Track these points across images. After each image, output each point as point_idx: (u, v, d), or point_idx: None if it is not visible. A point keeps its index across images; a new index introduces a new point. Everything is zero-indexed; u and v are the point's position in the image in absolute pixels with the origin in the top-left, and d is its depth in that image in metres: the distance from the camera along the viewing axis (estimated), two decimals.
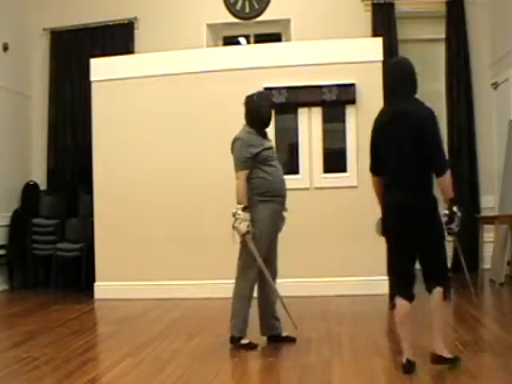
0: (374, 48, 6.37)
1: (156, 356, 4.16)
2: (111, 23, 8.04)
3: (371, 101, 6.30)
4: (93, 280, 6.71)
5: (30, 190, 7.99)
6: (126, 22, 8.05)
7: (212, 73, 6.47)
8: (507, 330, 4.51)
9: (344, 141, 6.39)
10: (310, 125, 6.44)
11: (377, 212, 6.24)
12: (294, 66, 6.42)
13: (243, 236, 4.17)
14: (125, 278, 6.51)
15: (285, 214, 4.41)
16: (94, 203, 6.75)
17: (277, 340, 4.36)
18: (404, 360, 3.54)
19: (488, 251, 6.99)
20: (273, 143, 4.53)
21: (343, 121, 6.41)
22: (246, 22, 8.03)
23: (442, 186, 3.56)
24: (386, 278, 6.15)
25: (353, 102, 6.33)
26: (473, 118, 7.59)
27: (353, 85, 6.31)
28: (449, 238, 3.75)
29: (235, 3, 7.97)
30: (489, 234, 6.97)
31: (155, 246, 6.47)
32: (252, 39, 8.36)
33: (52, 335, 4.90)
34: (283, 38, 8.22)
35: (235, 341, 4.26)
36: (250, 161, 4.23)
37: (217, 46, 8.24)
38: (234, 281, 4.31)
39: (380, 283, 6.16)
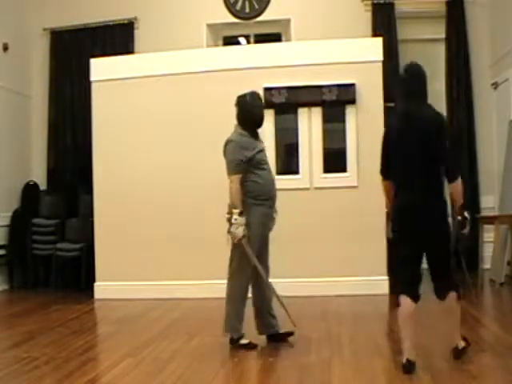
0: (374, 48, 6.37)
1: (156, 356, 4.16)
2: (111, 23, 8.04)
3: (371, 101, 6.32)
4: (93, 280, 6.71)
5: (29, 190, 7.99)
6: (125, 22, 8.05)
7: (212, 73, 6.47)
8: (507, 330, 4.51)
9: (344, 141, 6.39)
10: (309, 125, 6.44)
11: (377, 212, 6.27)
12: (294, 66, 6.42)
13: (239, 240, 4.16)
14: (125, 278, 6.51)
15: (275, 214, 4.42)
16: (94, 203, 6.75)
17: (276, 339, 4.37)
18: (404, 360, 3.55)
19: (488, 251, 6.99)
20: (264, 144, 4.48)
21: (343, 121, 6.41)
22: (246, 22, 8.03)
23: (454, 192, 3.65)
24: (386, 277, 6.22)
25: (353, 102, 6.33)
26: (473, 118, 7.58)
27: (353, 85, 6.31)
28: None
29: (235, 3, 7.97)
30: (489, 234, 6.97)
31: (155, 246, 6.47)
32: (252, 39, 8.36)
33: (52, 335, 4.90)
34: (283, 38, 8.22)
35: (235, 341, 4.27)
36: (243, 164, 4.20)
37: (217, 46, 8.24)
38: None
39: (380, 283, 6.18)
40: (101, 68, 6.78)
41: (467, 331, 4.27)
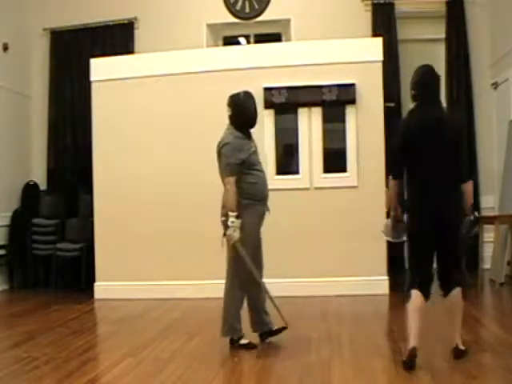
0: (374, 48, 6.37)
1: (156, 356, 4.17)
2: (111, 23, 8.03)
3: (371, 101, 6.32)
4: (93, 280, 6.71)
5: (30, 190, 7.98)
6: (126, 22, 8.04)
7: (212, 73, 6.47)
8: (507, 330, 4.51)
9: (344, 141, 6.39)
10: (310, 125, 6.43)
11: (377, 212, 6.27)
12: (294, 66, 6.42)
13: (234, 243, 4.16)
14: (125, 278, 6.51)
15: (267, 213, 4.44)
16: (94, 203, 6.75)
17: (270, 335, 4.36)
18: (410, 346, 3.60)
19: (488, 251, 6.98)
20: (256, 143, 4.43)
21: (343, 121, 6.40)
22: (246, 22, 8.03)
23: (467, 192, 3.77)
24: (386, 277, 6.23)
25: (353, 102, 6.33)
26: (473, 118, 7.58)
27: (353, 85, 6.31)
28: None
29: (235, 3, 7.97)
30: (489, 234, 6.96)
31: (155, 246, 6.47)
32: (252, 39, 8.36)
33: (52, 335, 4.90)
34: (283, 38, 8.21)
35: (235, 342, 4.27)
36: (238, 167, 4.19)
37: (217, 46, 8.23)
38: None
39: (380, 283, 6.18)
40: (101, 68, 6.78)
41: (467, 331, 4.28)
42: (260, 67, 6.45)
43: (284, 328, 4.38)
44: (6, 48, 7.70)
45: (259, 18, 7.96)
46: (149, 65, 6.68)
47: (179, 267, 6.41)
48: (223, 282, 4.37)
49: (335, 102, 6.35)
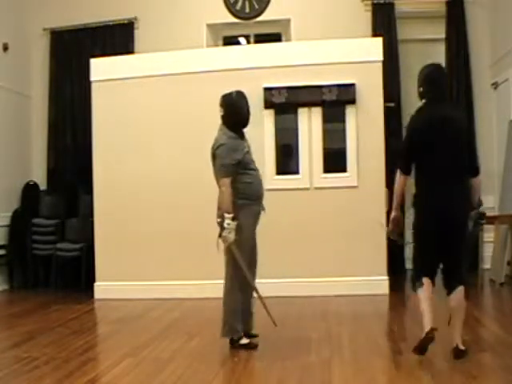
0: (374, 48, 6.37)
1: (156, 356, 4.17)
2: (111, 23, 8.03)
3: (371, 101, 6.32)
4: (93, 280, 6.71)
5: (30, 190, 7.98)
6: (126, 22, 8.04)
7: (212, 73, 6.46)
8: (507, 330, 4.51)
9: (344, 141, 6.39)
10: (310, 125, 6.43)
11: (377, 212, 6.27)
12: (294, 66, 6.42)
13: (229, 245, 4.16)
14: (125, 278, 6.51)
15: (263, 212, 4.43)
16: (94, 203, 6.75)
17: (248, 337, 4.35)
18: (427, 329, 3.70)
19: (488, 251, 6.98)
20: (249, 143, 4.41)
21: (343, 121, 6.40)
22: (246, 22, 8.03)
23: (476, 185, 3.91)
24: (386, 277, 6.23)
25: (353, 102, 6.33)
26: (473, 118, 7.57)
27: (353, 85, 6.31)
28: None
29: (235, 3, 7.97)
30: (489, 234, 6.96)
31: (155, 246, 6.47)
32: (252, 39, 8.36)
33: (52, 335, 4.90)
34: (283, 38, 8.21)
35: (235, 342, 4.26)
36: (233, 167, 4.18)
37: (217, 46, 8.23)
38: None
39: (380, 283, 6.18)
40: (101, 68, 6.78)
41: (467, 331, 4.28)
42: (260, 67, 6.45)
43: (256, 336, 4.37)
44: (5, 48, 7.70)
45: (259, 18, 7.96)
46: (149, 65, 6.68)
47: (179, 267, 6.41)
48: (223, 282, 4.37)
49: (335, 102, 6.35)
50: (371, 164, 6.28)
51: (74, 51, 8.08)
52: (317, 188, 6.39)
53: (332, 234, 6.28)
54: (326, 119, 6.44)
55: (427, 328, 3.72)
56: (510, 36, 6.88)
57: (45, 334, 4.93)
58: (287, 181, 6.42)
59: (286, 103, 6.41)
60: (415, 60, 7.62)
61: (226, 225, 4.11)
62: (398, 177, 3.94)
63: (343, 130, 6.41)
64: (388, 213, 6.19)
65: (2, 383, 3.68)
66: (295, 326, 4.97)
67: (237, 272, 4.25)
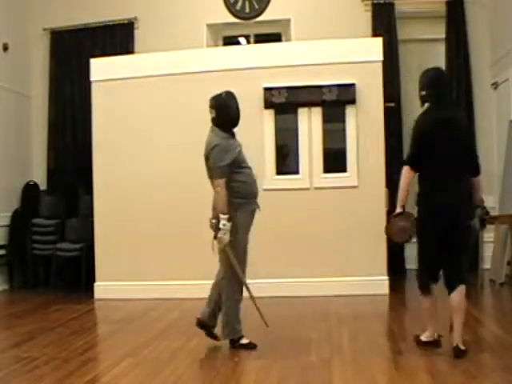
0: (374, 48, 6.37)
1: (156, 356, 4.17)
2: (111, 23, 8.04)
3: (371, 101, 6.32)
4: (93, 280, 6.71)
5: (30, 190, 7.99)
6: (126, 22, 8.04)
7: (212, 73, 6.46)
8: (507, 330, 4.51)
9: (344, 141, 6.39)
10: (310, 125, 6.43)
11: (377, 212, 6.27)
12: (294, 66, 6.42)
13: (225, 246, 4.15)
14: (125, 278, 6.51)
15: (258, 210, 4.41)
16: (94, 203, 6.75)
17: (203, 327, 4.37)
18: (436, 337, 4.00)
19: (488, 251, 6.98)
20: (240, 142, 4.41)
21: (343, 121, 6.40)
22: (246, 22, 8.03)
23: (478, 185, 4.03)
24: (386, 277, 6.23)
25: (353, 102, 6.33)
26: (473, 118, 7.58)
27: (353, 85, 6.31)
28: None
29: (235, 3, 7.97)
30: (489, 234, 6.96)
31: (155, 246, 6.47)
32: (252, 39, 8.36)
33: (52, 335, 4.90)
34: (283, 38, 8.22)
35: (235, 342, 4.27)
36: (228, 168, 4.18)
37: (217, 46, 8.23)
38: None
39: (380, 283, 6.18)
40: (101, 68, 6.78)
41: (467, 331, 4.28)
42: (260, 67, 6.45)
43: (216, 338, 4.38)
44: (5, 48, 7.70)
45: (259, 18, 7.96)
46: (149, 65, 6.68)
47: (179, 267, 6.41)
48: (218, 281, 4.37)
49: (335, 102, 6.35)
50: (371, 164, 6.28)
51: (74, 51, 8.08)
52: (317, 188, 6.39)
53: (332, 234, 6.28)
54: (326, 119, 6.44)
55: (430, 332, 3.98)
56: (510, 36, 6.88)
57: (45, 334, 4.93)
58: (287, 181, 6.42)
59: (286, 103, 6.41)
60: (415, 60, 7.63)
61: (221, 226, 4.11)
62: (407, 172, 3.96)
63: (343, 130, 6.41)
64: (388, 212, 6.23)
65: (2, 383, 3.68)
66: (295, 326, 4.97)
67: (235, 273, 4.26)
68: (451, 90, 7.51)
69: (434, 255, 3.96)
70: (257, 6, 7.95)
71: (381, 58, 6.35)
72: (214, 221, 4.17)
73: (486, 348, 4.05)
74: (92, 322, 5.76)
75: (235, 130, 4.40)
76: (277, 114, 6.49)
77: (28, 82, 8.27)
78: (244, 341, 4.26)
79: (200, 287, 6.21)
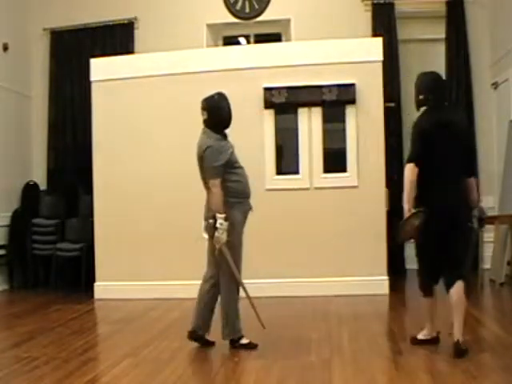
0: (374, 48, 6.37)
1: (156, 356, 4.17)
2: (111, 23, 8.04)
3: (371, 101, 6.32)
4: (93, 280, 6.71)
5: (30, 190, 7.99)
6: (126, 22, 8.05)
7: (212, 73, 6.46)
8: (507, 330, 4.51)
9: (344, 141, 6.39)
10: (310, 125, 6.43)
11: (377, 212, 6.26)
12: (294, 66, 6.42)
13: (221, 245, 4.15)
14: (125, 278, 6.51)
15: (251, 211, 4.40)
16: (94, 203, 6.75)
17: (197, 338, 4.33)
18: (434, 334, 4.07)
19: (488, 251, 6.98)
20: (232, 143, 4.44)
21: (343, 121, 6.40)
22: (246, 22, 8.03)
23: (473, 185, 4.07)
24: (386, 277, 6.23)
25: (353, 102, 6.33)
26: (473, 118, 7.58)
27: (353, 85, 6.31)
28: None
29: (235, 3, 7.97)
30: (489, 234, 6.96)
31: (155, 246, 6.47)
32: (252, 39, 8.36)
33: (52, 335, 4.90)
34: (283, 38, 8.22)
35: (235, 341, 4.27)
36: (222, 168, 4.20)
37: (217, 46, 8.24)
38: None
39: (380, 283, 6.18)
40: (101, 68, 6.78)
41: (467, 331, 4.27)
42: (260, 67, 6.45)
43: (212, 343, 4.35)
44: (5, 48, 7.70)
45: (259, 18, 7.96)
46: (149, 65, 6.68)
47: (179, 267, 6.41)
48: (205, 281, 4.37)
49: (335, 102, 6.35)
50: (371, 164, 6.28)
51: (74, 51, 8.08)
52: (317, 188, 6.39)
53: (332, 234, 6.28)
54: (326, 119, 6.44)
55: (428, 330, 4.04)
56: (510, 36, 6.88)
57: (45, 334, 4.92)
58: (287, 181, 6.42)
59: (286, 103, 6.41)
60: (415, 60, 7.64)
61: (218, 225, 4.11)
62: (411, 169, 3.96)
63: (343, 130, 6.41)
64: (388, 213, 6.23)
65: (2, 383, 3.67)
66: (295, 326, 4.97)
67: (230, 271, 4.25)
68: (451, 90, 7.54)
69: (434, 255, 3.98)
70: (257, 6, 7.95)
71: (381, 58, 6.35)
72: (210, 221, 4.17)
73: (486, 348, 4.05)
74: (92, 322, 5.76)
75: (229, 130, 4.41)
76: (277, 113, 6.49)
77: (28, 81, 8.27)
78: (244, 341, 4.26)
79: None
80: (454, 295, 3.86)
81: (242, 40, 8.49)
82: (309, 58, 6.40)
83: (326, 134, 6.45)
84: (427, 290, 4.08)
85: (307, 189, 6.40)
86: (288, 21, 7.89)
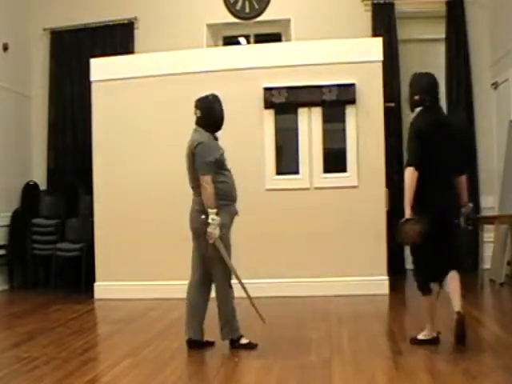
0: (374, 48, 6.37)
1: (156, 356, 4.16)
2: (111, 23, 8.04)
3: (371, 101, 6.32)
4: (93, 280, 6.71)
5: (30, 189, 7.99)
6: (126, 22, 8.05)
7: (212, 73, 6.46)
8: (507, 330, 4.51)
9: (344, 141, 6.39)
10: (309, 125, 6.43)
11: (377, 212, 6.26)
12: (294, 66, 6.42)
13: (214, 241, 4.14)
14: (125, 277, 6.51)
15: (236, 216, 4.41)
16: (93, 203, 6.75)
17: (197, 345, 4.31)
18: (434, 334, 4.07)
19: (488, 251, 6.99)
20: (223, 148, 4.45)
21: (343, 121, 6.40)
22: (246, 22, 8.03)
23: (463, 184, 4.18)
24: (386, 277, 6.23)
25: (353, 102, 6.33)
26: (473, 118, 7.58)
27: (353, 85, 6.31)
28: None
29: (235, 3, 7.97)
30: (489, 234, 6.97)
31: (155, 246, 6.47)
32: (252, 39, 8.36)
33: (52, 335, 4.90)
34: (283, 38, 8.22)
35: (235, 342, 4.26)
36: (213, 165, 4.21)
37: (217, 46, 8.24)
38: (232, 282, 4.30)
39: (380, 283, 6.18)
40: (101, 68, 6.78)
41: (467, 331, 4.27)
42: (260, 67, 6.46)
43: (211, 343, 4.34)
44: (5, 48, 7.70)
45: (259, 18, 7.97)
46: (149, 65, 6.68)
47: (179, 267, 6.37)
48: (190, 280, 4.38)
49: (335, 102, 6.35)
50: (371, 164, 6.28)
51: (74, 51, 8.08)
52: (317, 188, 6.39)
53: (332, 234, 6.28)
54: (326, 119, 6.44)
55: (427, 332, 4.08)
56: (510, 36, 6.88)
57: (45, 334, 4.92)
58: (287, 181, 6.42)
59: (286, 103, 6.41)
60: (415, 60, 7.64)
61: (210, 220, 4.11)
62: (412, 174, 3.97)
63: (343, 130, 6.41)
64: (388, 213, 6.23)
65: (2, 383, 3.67)
66: (295, 326, 4.97)
67: (225, 269, 4.25)
68: (452, 89, 7.54)
69: (433, 254, 4.02)
70: (257, 6, 7.95)
71: (381, 58, 6.35)
72: (203, 216, 4.17)
73: (486, 348, 4.05)
74: (92, 322, 5.76)
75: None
76: (277, 113, 6.49)
77: (28, 81, 8.27)
78: (244, 341, 4.26)
79: None
80: (448, 282, 3.97)
81: (242, 40, 8.49)
82: (309, 57, 6.40)
83: (326, 134, 6.45)
84: (426, 288, 4.09)
85: (307, 189, 6.40)
86: (288, 21, 7.89)
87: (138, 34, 8.05)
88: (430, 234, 3.94)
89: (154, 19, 7.97)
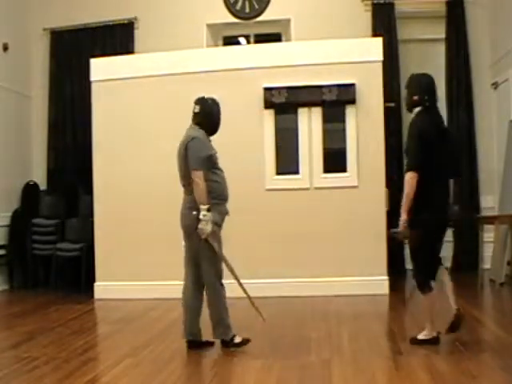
0: (374, 48, 6.37)
1: (156, 356, 4.17)
2: (111, 23, 8.04)
3: (371, 101, 6.32)
4: (93, 280, 6.71)
5: (30, 189, 7.99)
6: (126, 22, 8.05)
7: (212, 73, 6.47)
8: (507, 330, 4.51)
9: (344, 141, 6.39)
10: (309, 125, 6.43)
11: (377, 212, 6.26)
12: (294, 66, 6.42)
13: (207, 237, 4.12)
14: (125, 278, 6.51)
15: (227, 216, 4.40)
16: (93, 203, 6.75)
17: (197, 345, 4.31)
18: (434, 334, 4.09)
19: (488, 251, 6.99)
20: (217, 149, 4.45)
21: (343, 121, 6.40)
22: (246, 22, 8.03)
23: (452, 185, 4.19)
24: (386, 277, 6.23)
25: (353, 102, 6.33)
26: (473, 118, 7.58)
27: (353, 85, 6.31)
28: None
29: (235, 3, 7.97)
30: (489, 234, 6.97)
31: (155, 246, 6.47)
32: (252, 39, 8.36)
33: (52, 335, 4.90)
34: (283, 38, 8.22)
35: (228, 342, 4.24)
36: (206, 161, 4.20)
37: (217, 46, 8.24)
38: (232, 281, 4.30)
39: (380, 283, 6.18)
40: (101, 68, 6.78)
41: (467, 331, 4.28)
42: (260, 67, 6.46)
43: (211, 343, 4.33)
44: (5, 48, 7.70)
45: (259, 18, 7.97)
46: (149, 65, 6.68)
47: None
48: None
49: (335, 102, 6.35)
50: (371, 164, 6.29)
51: (74, 51, 8.08)
52: (317, 188, 6.39)
53: (332, 234, 6.28)
54: (326, 119, 6.44)
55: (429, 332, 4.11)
56: (510, 36, 6.88)
57: (45, 334, 4.92)
58: (287, 181, 6.42)
59: (286, 103, 6.41)
60: (415, 60, 7.64)
61: (201, 216, 4.09)
62: (413, 178, 3.98)
63: (343, 130, 6.41)
64: (388, 213, 6.23)
65: (2, 383, 3.67)
66: (295, 325, 4.97)
67: (217, 267, 4.24)
68: (452, 89, 7.54)
69: (433, 254, 4.09)
70: (257, 6, 7.95)
71: (381, 57, 6.35)
72: (194, 212, 4.15)
73: (486, 348, 4.06)
74: (92, 322, 5.76)
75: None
76: (277, 114, 6.49)
77: (28, 81, 8.27)
78: (237, 339, 4.23)
79: None
80: (443, 278, 4.12)
81: (242, 40, 8.49)
82: (309, 57, 6.40)
83: (326, 134, 6.45)
84: (426, 287, 4.10)
85: (307, 189, 6.40)
86: (288, 21, 7.89)
87: (138, 34, 8.05)
88: (430, 234, 3.99)
89: (154, 19, 7.97)
